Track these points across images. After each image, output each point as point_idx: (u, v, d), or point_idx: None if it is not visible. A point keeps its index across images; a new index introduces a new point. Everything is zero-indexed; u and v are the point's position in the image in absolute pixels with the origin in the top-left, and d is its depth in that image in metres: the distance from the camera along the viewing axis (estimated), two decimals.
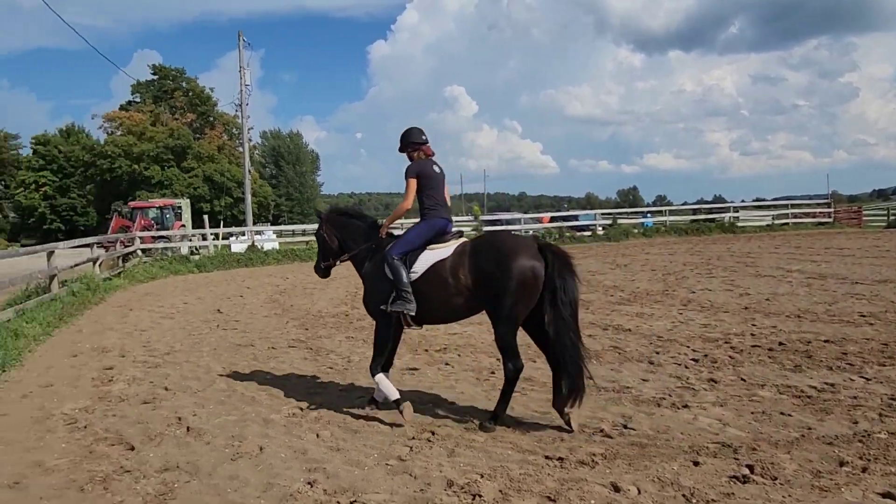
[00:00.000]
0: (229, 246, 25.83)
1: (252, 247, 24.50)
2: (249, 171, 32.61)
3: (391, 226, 5.67)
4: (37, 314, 10.56)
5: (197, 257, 22.81)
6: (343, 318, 10.73)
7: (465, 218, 35.46)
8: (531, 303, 4.79)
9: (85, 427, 5.48)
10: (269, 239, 30.20)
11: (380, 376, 5.30)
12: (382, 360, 5.34)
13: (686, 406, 5.45)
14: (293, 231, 64.43)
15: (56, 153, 60.39)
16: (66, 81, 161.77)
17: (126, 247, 22.38)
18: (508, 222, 31.48)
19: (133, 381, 7.00)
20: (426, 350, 8.00)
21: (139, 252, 22.06)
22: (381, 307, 5.18)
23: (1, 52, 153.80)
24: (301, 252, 24.16)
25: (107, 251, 20.84)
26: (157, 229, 28.29)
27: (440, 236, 5.31)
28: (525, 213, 40.38)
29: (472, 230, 27.71)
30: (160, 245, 23.95)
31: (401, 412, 5.15)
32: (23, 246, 40.43)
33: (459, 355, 7.68)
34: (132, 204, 32.99)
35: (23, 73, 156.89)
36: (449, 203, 5.40)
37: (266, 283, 16.69)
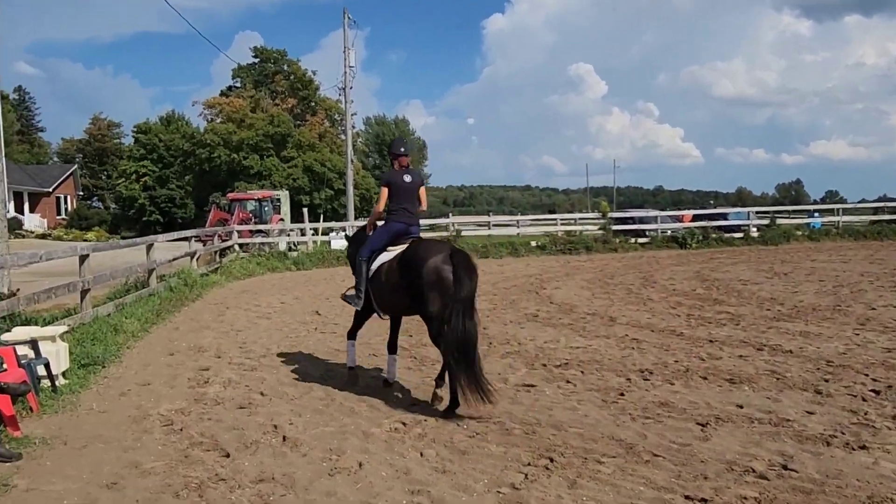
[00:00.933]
0: (329, 242, 26.86)
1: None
2: (352, 161, 33.81)
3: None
4: (135, 309, 11.50)
5: (295, 254, 23.92)
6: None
7: (591, 215, 34.84)
8: (443, 300, 6.17)
9: (181, 430, 5.90)
10: None
11: (349, 343, 7.56)
12: (355, 332, 7.52)
13: (864, 447, 5.07)
14: None
15: (156, 142, 65.28)
16: (168, 67, 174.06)
17: (223, 241, 23.87)
18: (641, 220, 30.66)
19: (229, 383, 7.46)
20: (544, 365, 7.95)
21: (236, 247, 23.42)
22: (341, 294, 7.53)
23: (106, 38, 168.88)
24: None
25: (204, 245, 22.34)
26: (255, 223, 29.95)
27: (398, 238, 6.86)
28: (662, 209, 39.08)
29: (599, 229, 27.24)
30: (258, 240, 25.32)
31: (350, 375, 7.31)
32: (122, 238, 44.19)
33: (583, 372, 7.57)
34: (230, 195, 35.07)
35: (127, 59, 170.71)
36: (423, 207, 7.12)
37: None
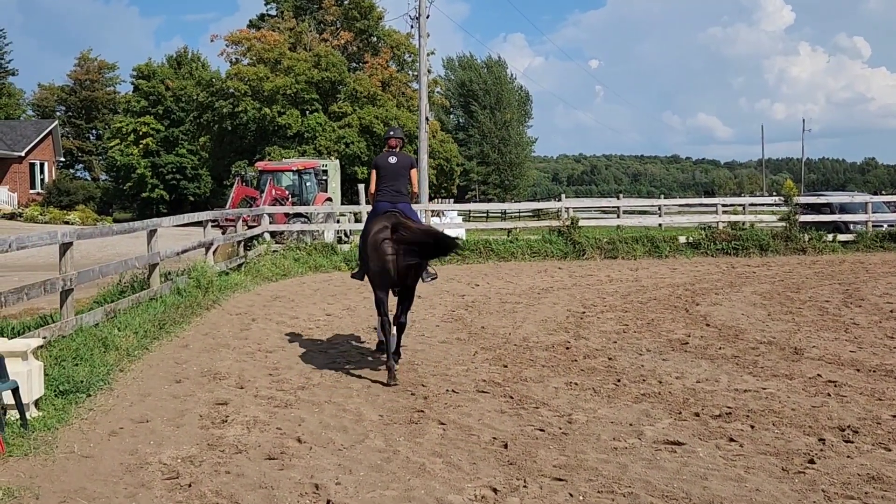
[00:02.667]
0: None
1: None
2: (427, 120, 34.05)
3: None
4: (132, 319, 11.92)
5: (347, 247, 24.29)
6: (562, 351, 10.95)
7: (768, 200, 33.95)
8: (382, 271, 9.67)
9: (189, 485, 6.07)
10: (452, 223, 31.28)
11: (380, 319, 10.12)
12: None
13: None
14: (487, 213, 66.69)
15: (162, 91, 67.49)
16: None
17: (250, 227, 24.48)
18: (843, 209, 29.59)
19: (254, 424, 7.63)
20: (696, 414, 7.79)
21: (267, 236, 23.98)
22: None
23: None
24: (501, 245, 24.79)
25: (224, 233, 22.94)
26: (294, 203, 30.58)
27: (380, 216, 10.12)
28: (874, 193, 37.69)
29: (779, 220, 26.55)
30: (296, 227, 25.84)
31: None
32: (116, 221, 45.88)
33: (753, 427, 7.39)
34: (260, 165, 35.78)
35: None
36: (415, 190, 10.89)
37: (445, 291, 17.40)
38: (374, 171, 10.58)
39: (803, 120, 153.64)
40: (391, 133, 10.97)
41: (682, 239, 25.97)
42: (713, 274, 20.25)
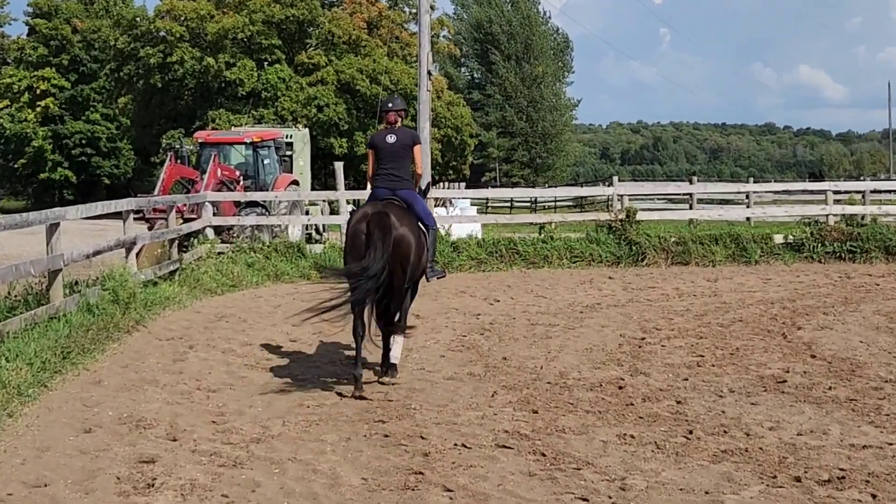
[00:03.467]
0: None
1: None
2: (429, 75, 33.94)
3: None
4: (25, 345, 11.85)
5: (320, 248, 24.28)
6: (613, 391, 10.93)
7: (891, 185, 33.87)
8: (353, 256, 11.16)
9: None
10: (463, 215, 31.23)
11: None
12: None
13: None
14: (512, 201, 66.46)
15: (68, 33, 67.44)
16: None
17: (186, 221, 24.44)
18: None
19: (192, 490, 7.63)
20: (797, 478, 7.78)
21: (210, 233, 23.94)
22: None
23: None
24: (529, 246, 24.73)
25: (152, 228, 22.91)
26: (247, 188, 30.55)
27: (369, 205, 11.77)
28: None
29: None
30: (250, 220, 25.82)
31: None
32: (3, 212, 45.78)
33: (875, 496, 7.37)
34: (201, 136, 35.68)
35: None
36: (418, 171, 12.33)
37: (454, 309, 17.45)
38: (371, 152, 12.22)
39: None
40: (388, 105, 12.18)
41: (779, 238, 25.89)
42: (821, 286, 20.21)
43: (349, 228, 11.46)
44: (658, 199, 53.86)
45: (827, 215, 27.12)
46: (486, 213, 54.14)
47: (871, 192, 33.43)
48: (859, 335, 14.34)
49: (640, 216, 26.08)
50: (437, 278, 12.54)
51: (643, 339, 14.33)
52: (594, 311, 17.15)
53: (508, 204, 66.49)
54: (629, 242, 24.60)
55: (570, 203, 60.71)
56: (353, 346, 11.14)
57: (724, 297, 18.81)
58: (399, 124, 12.16)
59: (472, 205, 38.26)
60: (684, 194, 39.33)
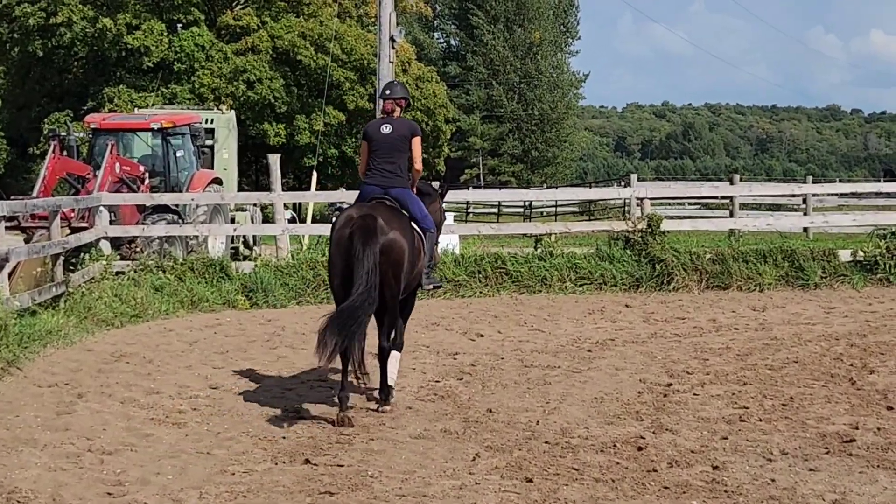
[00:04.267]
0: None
1: None
2: (393, 41, 34.01)
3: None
4: None
5: (250, 265, 24.28)
6: (630, 453, 10.90)
7: None
8: (337, 265, 12.63)
9: None
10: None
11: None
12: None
13: None
14: (500, 206, 66.34)
15: None
16: None
17: (75, 230, 24.34)
18: None
19: None
20: None
21: (105, 246, 23.88)
22: None
23: None
24: (523, 264, 24.72)
25: (29, 240, 22.77)
26: (154, 189, 30.42)
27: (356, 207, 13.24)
28: None
29: None
30: (159, 230, 25.75)
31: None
32: None
33: None
34: (94, 120, 35.53)
35: None
36: (417, 166, 13.69)
37: (424, 347, 17.47)
38: (364, 144, 13.81)
39: None
40: (386, 92, 13.90)
41: (845, 255, 25.96)
42: None
43: (332, 235, 12.91)
44: (689, 203, 54.18)
45: None
46: (466, 221, 54.37)
47: None
48: None
49: (665, 226, 26.12)
50: (433, 287, 14.68)
51: (670, 385, 14.32)
52: (606, 350, 17.17)
53: (495, 209, 66.52)
54: (652, 260, 24.64)
55: (576, 209, 60.89)
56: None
57: (775, 331, 18.86)
58: (398, 114, 13.60)
59: (447, 210, 38.33)
60: (723, 198, 39.66)
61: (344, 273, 12.44)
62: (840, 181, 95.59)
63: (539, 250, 26.06)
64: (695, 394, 13.80)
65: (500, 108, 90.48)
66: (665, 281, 24.20)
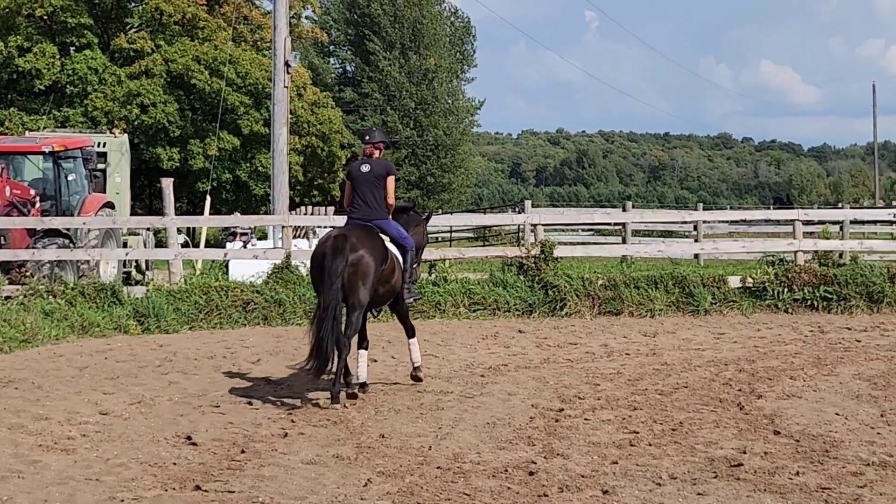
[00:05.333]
0: (226, 263, 26.99)
1: (288, 265, 25.35)
2: (288, 67, 33.95)
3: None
4: None
5: (142, 290, 24.10)
6: (522, 479, 10.91)
7: (884, 213, 34.55)
8: (315, 277, 15.54)
9: None
10: None
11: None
12: (360, 336, 16.06)
13: None
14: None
15: None
16: None
17: None
18: None
19: None
20: None
21: None
22: None
23: None
24: (417, 290, 24.74)
25: None
26: (45, 213, 30.10)
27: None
28: None
29: None
30: (48, 254, 25.47)
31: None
32: None
33: None
34: None
35: None
36: (390, 202, 16.11)
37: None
38: (347, 183, 16.49)
39: None
40: (366, 138, 16.62)
41: (735, 281, 26.21)
42: (787, 343, 20.49)
43: (313, 253, 15.96)
44: (583, 230, 54.37)
45: (795, 252, 27.48)
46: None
47: (852, 222, 34.01)
48: (835, 406, 14.48)
49: (559, 252, 26.25)
50: (414, 300, 17.29)
51: (561, 410, 14.34)
52: (499, 375, 17.26)
53: None
54: (545, 286, 24.75)
55: (471, 234, 60.98)
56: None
57: (665, 356, 19.00)
58: (376, 155, 16.33)
59: None
60: (616, 224, 39.94)
61: (318, 281, 15.22)
62: (731, 208, 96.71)
63: (433, 276, 26.13)
64: (586, 419, 13.85)
65: (395, 133, 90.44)
66: (558, 307, 24.33)
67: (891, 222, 30.10)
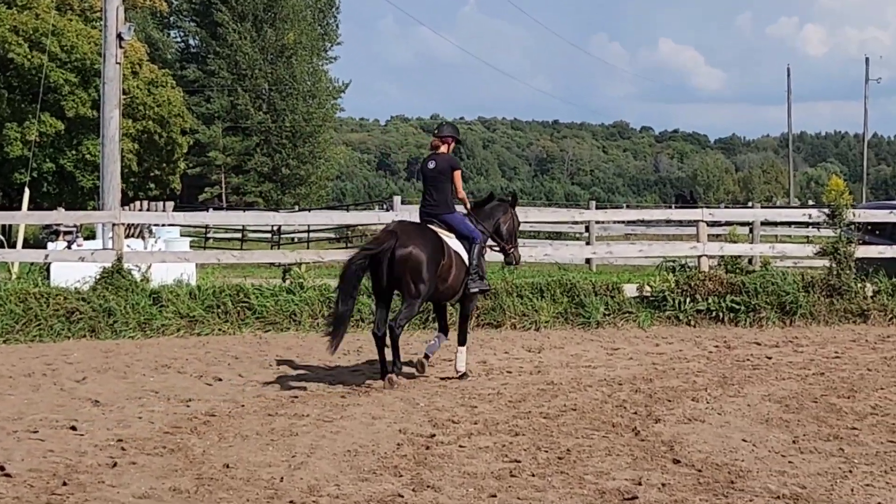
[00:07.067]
0: (48, 266, 27.02)
1: (119, 269, 25.20)
2: (120, 40, 33.75)
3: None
4: None
5: None
6: None
7: (798, 213, 35.09)
8: (373, 278, 18.65)
9: None
10: (168, 251, 31.00)
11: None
12: (441, 326, 20.18)
13: None
14: (244, 230, 66.00)
15: None
16: None
17: None
18: None
19: None
20: None
21: None
22: None
23: None
24: (268, 298, 24.66)
25: None
26: None
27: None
28: None
29: (820, 253, 27.28)
30: None
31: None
32: None
33: None
34: None
35: None
36: (459, 195, 19.52)
37: (151, 392, 17.39)
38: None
39: (867, 59, 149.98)
40: (434, 131, 19.62)
41: (631, 289, 26.41)
42: (689, 360, 20.76)
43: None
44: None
45: (699, 257, 27.69)
46: (204, 247, 53.96)
47: (763, 223, 34.32)
48: (742, 431, 14.62)
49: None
50: (479, 290, 19.28)
51: (433, 436, 14.38)
52: (362, 395, 17.33)
53: (239, 235, 66.16)
54: None
55: (331, 235, 60.87)
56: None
57: (552, 374, 19.14)
58: (443, 150, 19.00)
59: (183, 235, 38.16)
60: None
61: (373, 277, 18.19)
62: (627, 207, 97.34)
63: (288, 282, 26.12)
64: (461, 446, 13.88)
65: (246, 118, 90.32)
66: (430, 317, 24.31)
67: (806, 224, 30.39)
